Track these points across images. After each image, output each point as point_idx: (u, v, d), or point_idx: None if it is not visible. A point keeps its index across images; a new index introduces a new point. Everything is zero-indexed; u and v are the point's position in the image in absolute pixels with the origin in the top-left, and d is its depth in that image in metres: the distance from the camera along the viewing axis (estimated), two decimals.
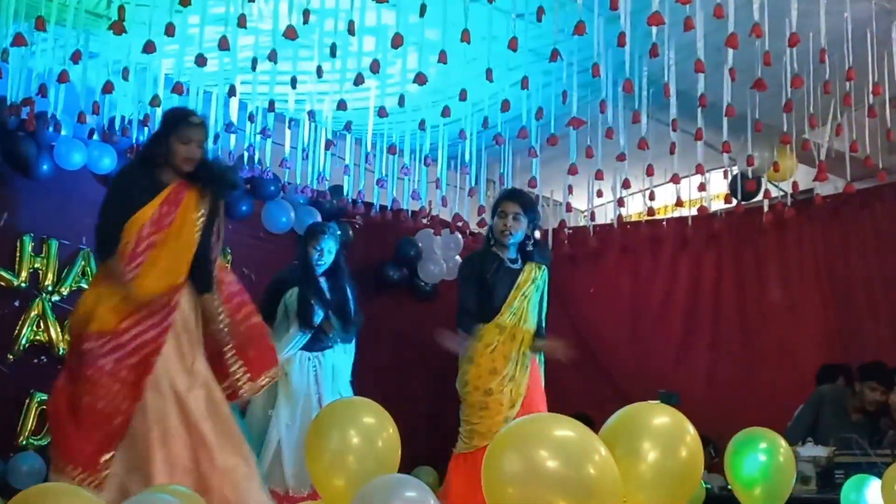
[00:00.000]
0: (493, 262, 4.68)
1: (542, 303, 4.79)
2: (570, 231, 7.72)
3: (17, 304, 6.08)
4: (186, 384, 3.96)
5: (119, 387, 3.84)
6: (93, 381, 3.83)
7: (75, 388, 3.88)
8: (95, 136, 6.19)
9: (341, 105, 5.68)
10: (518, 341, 4.60)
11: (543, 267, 4.77)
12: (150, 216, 3.97)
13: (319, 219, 7.20)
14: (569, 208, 7.35)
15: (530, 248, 4.73)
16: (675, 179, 6.21)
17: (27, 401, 6.01)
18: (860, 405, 5.96)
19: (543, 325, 4.77)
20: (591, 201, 7.05)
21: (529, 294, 4.67)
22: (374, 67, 4.98)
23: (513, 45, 4.80)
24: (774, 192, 7.07)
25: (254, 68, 5.45)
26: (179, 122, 4.09)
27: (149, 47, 4.84)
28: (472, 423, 4.57)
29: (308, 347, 5.37)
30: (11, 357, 6.00)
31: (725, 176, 6.87)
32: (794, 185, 6.69)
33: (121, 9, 4.64)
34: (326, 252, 5.43)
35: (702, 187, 6.57)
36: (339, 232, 5.71)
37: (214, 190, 4.13)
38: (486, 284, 4.63)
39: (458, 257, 8.06)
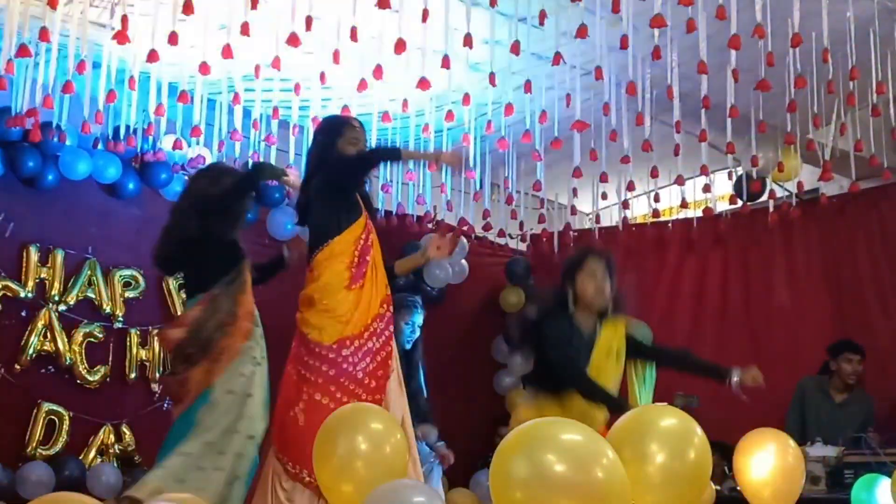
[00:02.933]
0: (575, 334, 4.19)
1: (637, 354, 4.37)
2: (576, 234, 7.70)
3: (23, 314, 6.09)
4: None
5: (365, 395, 3.98)
6: (342, 390, 3.97)
7: (331, 401, 3.96)
8: (100, 146, 6.21)
9: (345, 111, 5.69)
10: (588, 420, 3.79)
11: (620, 322, 4.25)
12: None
13: None
14: (573, 211, 7.34)
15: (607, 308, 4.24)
16: (680, 181, 6.21)
17: (35, 411, 6.03)
18: (841, 384, 6.03)
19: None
20: (596, 204, 7.04)
21: (603, 365, 4.17)
22: (377, 73, 4.99)
23: (515, 48, 4.80)
24: (779, 193, 7.05)
25: (257, 75, 5.46)
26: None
27: (152, 56, 4.85)
28: None
29: None
30: (19, 367, 6.01)
31: (730, 177, 6.86)
32: (799, 185, 6.68)
33: (124, 18, 4.66)
34: (417, 327, 5.34)
35: (706, 188, 6.56)
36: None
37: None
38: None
39: (463, 262, 8.06)
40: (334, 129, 4.40)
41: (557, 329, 4.19)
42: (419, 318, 5.35)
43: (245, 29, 4.58)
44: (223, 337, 4.31)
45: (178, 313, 6.72)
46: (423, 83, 5.00)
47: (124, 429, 6.34)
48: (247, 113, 6.21)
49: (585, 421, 3.98)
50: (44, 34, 4.73)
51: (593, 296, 4.19)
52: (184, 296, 6.01)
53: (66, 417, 6.12)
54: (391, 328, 4.20)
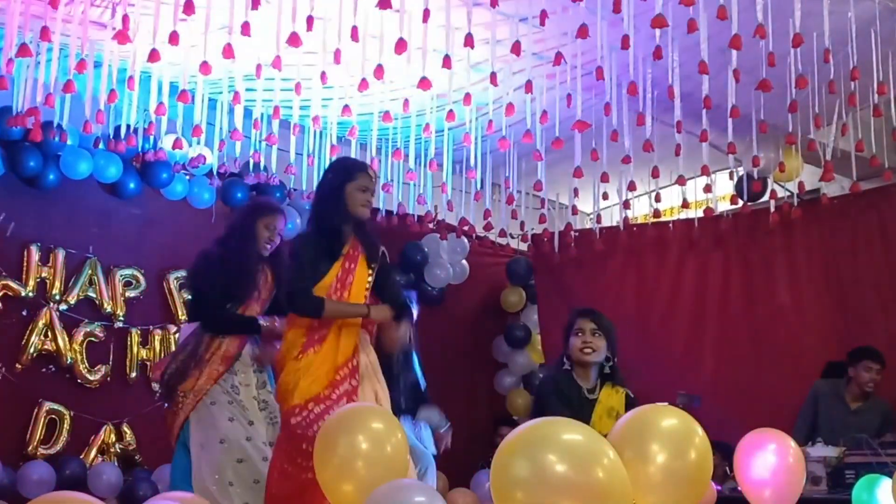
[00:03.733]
0: (573, 390, 4.30)
1: None
2: (577, 234, 7.70)
3: (24, 313, 6.11)
4: None
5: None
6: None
7: (295, 470, 3.82)
8: (101, 146, 6.21)
9: (345, 110, 5.69)
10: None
11: (622, 391, 4.36)
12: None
13: None
14: (574, 211, 7.35)
15: (608, 370, 4.36)
16: (681, 181, 6.20)
17: (35, 410, 6.03)
18: (858, 391, 6.00)
19: None
20: (597, 204, 7.03)
21: (603, 424, 4.16)
22: (378, 73, 4.99)
23: (516, 48, 4.80)
24: (780, 193, 7.05)
25: (258, 75, 5.46)
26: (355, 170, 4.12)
27: (153, 56, 4.85)
28: None
29: None
30: (19, 366, 6.03)
31: (731, 177, 6.84)
32: (800, 185, 6.67)
33: (125, 18, 4.66)
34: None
35: (707, 189, 6.56)
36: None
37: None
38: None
39: (464, 262, 8.06)
40: (346, 172, 4.11)
41: (547, 386, 4.37)
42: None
43: (246, 29, 4.57)
44: (182, 381, 4.34)
45: (178, 314, 6.73)
46: (424, 83, 4.99)
47: (125, 428, 6.35)
48: (247, 112, 6.21)
49: None
50: (45, 33, 4.72)
51: (579, 350, 4.33)
52: (187, 296, 6.05)
53: (67, 417, 6.12)
54: (357, 376, 3.93)
